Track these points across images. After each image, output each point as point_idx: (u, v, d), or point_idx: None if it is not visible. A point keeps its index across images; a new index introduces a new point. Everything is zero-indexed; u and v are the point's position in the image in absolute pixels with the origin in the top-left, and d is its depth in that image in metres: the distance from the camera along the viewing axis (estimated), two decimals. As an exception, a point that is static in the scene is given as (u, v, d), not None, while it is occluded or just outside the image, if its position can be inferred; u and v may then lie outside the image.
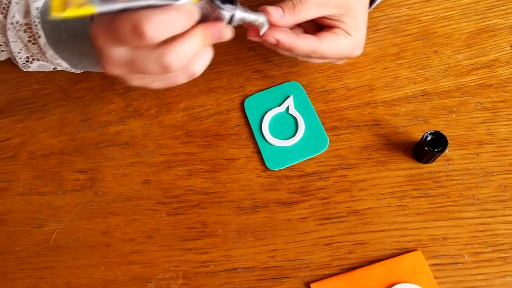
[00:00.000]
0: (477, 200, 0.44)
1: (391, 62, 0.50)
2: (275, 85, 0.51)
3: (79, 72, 0.50)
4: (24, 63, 0.49)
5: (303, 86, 0.50)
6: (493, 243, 0.42)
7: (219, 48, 0.54)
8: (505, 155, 0.45)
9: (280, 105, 0.49)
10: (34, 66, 0.49)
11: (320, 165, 0.46)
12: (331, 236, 0.43)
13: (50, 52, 0.45)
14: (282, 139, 0.47)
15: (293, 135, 0.47)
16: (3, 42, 0.47)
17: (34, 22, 0.43)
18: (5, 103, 0.53)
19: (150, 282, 0.43)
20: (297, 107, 0.49)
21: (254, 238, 0.44)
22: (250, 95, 0.50)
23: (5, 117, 0.52)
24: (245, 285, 0.42)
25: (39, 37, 0.44)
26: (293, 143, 0.47)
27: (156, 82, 0.37)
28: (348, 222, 0.44)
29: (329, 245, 0.43)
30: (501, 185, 0.44)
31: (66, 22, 0.42)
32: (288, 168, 0.47)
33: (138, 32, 0.30)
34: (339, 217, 0.44)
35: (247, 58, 0.53)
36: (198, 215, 0.45)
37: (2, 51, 0.48)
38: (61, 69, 0.49)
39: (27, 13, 0.44)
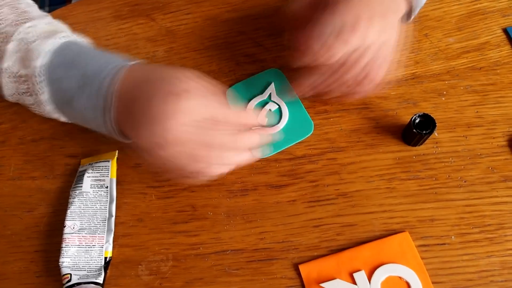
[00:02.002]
0: (465, 182, 0.44)
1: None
2: (265, 70, 0.51)
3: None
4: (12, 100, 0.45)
5: (294, 71, 0.50)
6: (480, 224, 0.42)
7: (209, 32, 0.54)
8: (494, 138, 0.45)
9: (262, 93, 0.49)
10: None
11: (309, 148, 0.47)
12: (320, 218, 0.44)
13: (48, 108, 0.42)
14: (269, 126, 0.47)
15: (278, 122, 0.47)
16: None
17: (39, 77, 0.40)
18: (-5, 88, 0.53)
19: (141, 265, 0.43)
20: (279, 93, 0.49)
21: (244, 221, 0.44)
22: (234, 84, 0.50)
23: (-5, 103, 0.52)
24: (234, 266, 0.42)
25: (42, 93, 0.41)
26: (278, 130, 0.47)
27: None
28: (337, 204, 0.44)
29: (317, 227, 0.43)
30: (488, 167, 0.44)
31: (80, 92, 0.40)
32: (277, 152, 0.47)
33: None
34: (328, 199, 0.44)
35: (237, 42, 0.53)
36: (188, 198, 0.45)
37: None
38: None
39: (26, 66, 0.41)
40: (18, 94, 0.43)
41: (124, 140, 0.42)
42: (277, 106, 0.48)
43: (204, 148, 0.38)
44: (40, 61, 0.40)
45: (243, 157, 0.41)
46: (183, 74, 0.39)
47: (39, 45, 0.41)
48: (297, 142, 0.47)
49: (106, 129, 0.41)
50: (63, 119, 0.44)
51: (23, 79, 0.41)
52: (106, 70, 0.39)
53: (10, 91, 0.43)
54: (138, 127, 0.38)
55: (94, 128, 0.42)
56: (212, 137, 0.38)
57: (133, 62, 0.41)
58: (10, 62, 0.41)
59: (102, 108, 0.39)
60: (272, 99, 0.49)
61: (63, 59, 0.41)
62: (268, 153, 0.46)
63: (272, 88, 0.49)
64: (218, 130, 0.38)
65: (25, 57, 0.41)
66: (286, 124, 0.47)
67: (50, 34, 0.42)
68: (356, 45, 0.41)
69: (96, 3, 0.56)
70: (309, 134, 0.47)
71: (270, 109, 0.48)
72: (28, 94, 0.42)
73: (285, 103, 0.48)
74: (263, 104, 0.48)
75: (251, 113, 0.43)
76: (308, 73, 0.44)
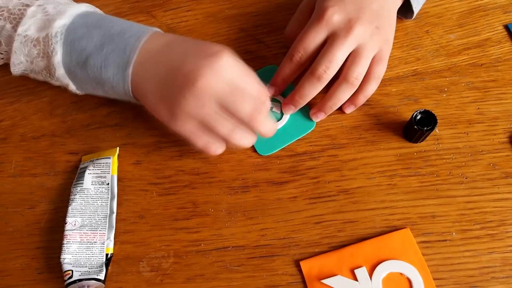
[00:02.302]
0: (466, 178, 0.44)
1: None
2: (265, 66, 0.50)
3: (81, 94, 0.46)
4: (17, 74, 0.46)
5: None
6: (481, 220, 0.42)
7: (210, 29, 0.54)
8: (495, 134, 0.45)
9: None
10: (31, 76, 0.47)
11: (311, 145, 0.47)
12: (321, 215, 0.44)
13: (60, 72, 0.43)
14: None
15: (280, 119, 0.47)
16: (4, 51, 0.44)
17: (55, 37, 0.41)
18: (-4, 85, 0.53)
19: (142, 261, 0.43)
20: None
21: (245, 217, 0.44)
22: None
23: (-4, 100, 0.52)
24: (236, 263, 0.43)
25: (55, 54, 0.41)
26: (280, 127, 0.47)
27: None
28: (338, 201, 0.44)
29: (318, 224, 0.43)
30: (490, 164, 0.44)
31: (100, 49, 0.41)
32: (280, 149, 0.47)
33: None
34: (329, 196, 0.44)
35: (238, 39, 0.53)
36: (189, 195, 0.46)
37: (2, 58, 0.46)
38: (64, 87, 0.45)
39: (43, 27, 0.42)
40: (29, 60, 0.43)
41: (136, 102, 0.44)
42: (278, 104, 0.48)
43: (219, 114, 0.39)
44: (63, 21, 0.41)
45: (250, 140, 0.42)
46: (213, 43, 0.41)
47: (63, 8, 0.42)
48: (299, 138, 0.47)
49: (123, 88, 0.41)
50: (72, 86, 0.44)
51: (37, 42, 0.42)
52: (130, 31, 0.41)
53: (19, 58, 0.43)
54: (165, 79, 0.39)
55: (107, 89, 0.43)
56: (234, 100, 0.39)
57: (157, 29, 0.43)
58: (26, 26, 0.42)
59: (122, 64, 0.40)
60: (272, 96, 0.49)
61: (86, 20, 0.42)
62: (271, 150, 0.46)
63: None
64: (245, 95, 0.39)
65: (45, 19, 0.42)
66: (288, 121, 0.47)
67: (73, 3, 0.44)
68: (352, 45, 0.43)
69: (97, 0, 0.56)
70: (311, 129, 0.47)
71: (271, 108, 0.48)
72: (40, 57, 0.42)
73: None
74: None
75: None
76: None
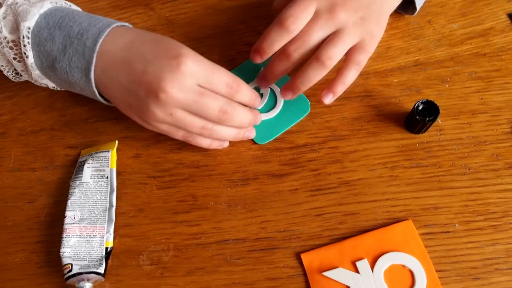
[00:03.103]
0: (469, 169, 0.43)
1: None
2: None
3: (61, 90, 0.48)
4: (13, 76, 0.46)
5: None
6: (485, 211, 0.42)
7: (210, 21, 0.53)
8: (498, 124, 0.45)
9: (253, 79, 0.48)
10: (25, 78, 0.47)
11: (311, 137, 0.46)
12: (322, 207, 0.43)
13: (36, 73, 0.43)
14: (264, 112, 0.47)
15: (274, 106, 0.47)
16: None
17: (23, 41, 0.41)
18: (-6, 80, 0.52)
19: (142, 255, 0.43)
20: None
21: (245, 210, 0.44)
22: None
23: (-6, 94, 0.52)
24: (236, 256, 0.42)
25: (27, 57, 0.41)
26: (276, 114, 0.47)
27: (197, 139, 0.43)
28: (339, 193, 0.44)
29: (319, 216, 0.43)
30: (493, 154, 0.44)
31: (63, 53, 0.41)
32: (278, 140, 0.46)
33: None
34: (330, 188, 0.44)
35: (238, 31, 0.52)
36: (189, 188, 0.45)
37: None
38: (45, 86, 0.46)
39: (14, 29, 0.41)
40: (8, 61, 0.44)
41: (107, 103, 0.44)
42: (270, 90, 0.48)
43: (188, 117, 0.40)
44: (28, 23, 0.41)
45: (229, 133, 0.43)
46: (174, 40, 0.40)
47: (27, 8, 0.41)
48: (296, 122, 0.46)
49: (90, 91, 0.42)
50: (51, 84, 0.45)
51: (11, 44, 0.42)
52: (89, 32, 0.40)
53: (2, 61, 0.44)
54: (128, 87, 0.39)
55: (79, 91, 0.43)
56: (199, 106, 0.39)
57: (117, 24, 0.42)
58: (1, 29, 0.41)
59: (84, 69, 0.40)
60: None
61: (48, 20, 0.41)
62: (268, 138, 0.46)
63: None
64: (209, 98, 0.39)
65: (13, 21, 0.41)
66: (283, 107, 0.47)
67: (39, 0, 0.42)
68: (335, 26, 0.42)
69: (95, -6, 0.56)
70: (307, 113, 0.46)
71: (262, 94, 0.47)
72: (17, 59, 0.42)
73: (278, 86, 0.47)
74: (257, 90, 0.48)
75: (248, 86, 0.43)
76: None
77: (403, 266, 0.40)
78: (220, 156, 0.46)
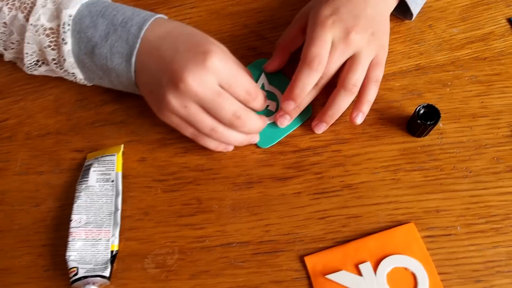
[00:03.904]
0: (470, 172, 0.44)
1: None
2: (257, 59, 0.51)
3: (89, 85, 0.49)
4: (31, 65, 0.47)
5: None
6: (486, 214, 0.42)
7: (214, 26, 0.54)
8: (499, 128, 0.45)
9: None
10: (41, 70, 0.48)
11: (314, 141, 0.47)
12: (325, 210, 0.44)
13: (70, 60, 0.44)
14: (267, 116, 0.47)
15: (276, 110, 0.48)
16: (16, 41, 0.45)
17: (63, 28, 0.42)
18: (1, 84, 0.53)
19: (147, 258, 0.44)
20: (273, 82, 0.49)
21: (249, 213, 0.44)
22: None
23: (1, 99, 0.52)
24: (240, 259, 0.43)
25: (65, 43, 0.43)
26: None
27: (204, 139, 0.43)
28: (342, 196, 0.44)
29: (323, 219, 0.43)
30: (494, 158, 0.44)
31: (105, 39, 0.42)
32: (282, 144, 0.47)
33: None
34: (333, 191, 0.44)
35: (242, 35, 0.53)
36: (194, 192, 0.46)
37: (12, 49, 0.47)
38: (72, 79, 0.47)
39: (54, 17, 0.43)
40: (40, 49, 0.45)
41: (137, 92, 0.46)
42: (274, 102, 0.48)
43: (201, 115, 0.41)
44: (69, 11, 0.43)
45: (237, 138, 0.44)
46: (209, 36, 0.42)
47: None
48: (298, 126, 0.47)
49: (126, 77, 0.43)
50: (80, 76, 0.46)
51: (48, 31, 0.43)
52: (133, 20, 0.42)
53: (33, 47, 0.45)
54: (155, 74, 0.41)
55: (113, 79, 0.45)
56: (215, 105, 0.40)
57: (159, 16, 0.44)
58: (37, 16, 0.43)
59: (126, 54, 0.42)
60: (266, 89, 0.49)
61: (91, 10, 0.43)
62: (271, 142, 0.46)
63: (264, 78, 0.49)
64: (226, 100, 0.40)
65: (53, 9, 0.43)
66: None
67: None
68: (349, 54, 0.43)
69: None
70: (308, 116, 0.47)
71: (267, 106, 0.48)
72: (51, 47, 0.44)
73: (280, 91, 0.48)
74: None
75: (263, 96, 0.44)
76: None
77: (406, 269, 0.41)
78: (225, 160, 0.47)
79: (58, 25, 0.43)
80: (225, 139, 0.43)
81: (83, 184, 0.45)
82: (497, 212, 0.42)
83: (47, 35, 0.43)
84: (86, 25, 0.43)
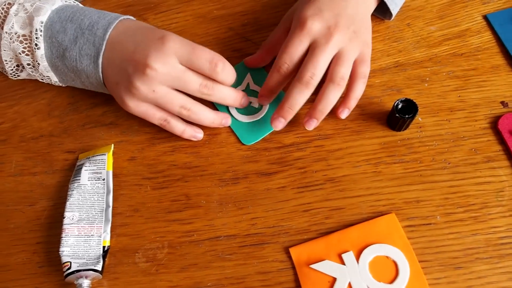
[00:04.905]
0: (449, 164, 0.45)
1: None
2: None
3: (64, 86, 0.52)
4: (13, 71, 0.50)
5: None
6: (464, 203, 0.44)
7: (200, 30, 0.56)
8: (476, 120, 0.47)
9: (240, 84, 0.51)
10: (23, 75, 0.51)
11: (298, 137, 0.48)
12: (309, 203, 0.45)
13: (44, 64, 0.47)
14: (251, 114, 0.49)
15: (260, 108, 0.49)
16: None
17: (36, 34, 0.45)
18: (-4, 90, 0.55)
19: (138, 253, 0.45)
20: (257, 82, 0.50)
21: (236, 208, 0.46)
22: None
23: (-4, 104, 0.54)
24: (228, 252, 0.44)
25: (38, 48, 0.46)
26: (262, 116, 0.49)
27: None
28: (325, 189, 0.46)
29: (307, 212, 0.45)
30: (472, 149, 0.46)
31: (74, 42, 0.45)
32: (267, 141, 0.48)
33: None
34: (316, 185, 0.46)
35: (227, 38, 0.54)
36: (182, 188, 0.47)
37: None
38: (48, 81, 0.50)
39: (26, 24, 0.46)
40: (15, 55, 0.48)
41: (106, 91, 0.49)
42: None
43: (170, 93, 0.44)
44: (41, 18, 0.45)
45: (207, 117, 0.46)
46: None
47: (40, 5, 0.46)
48: None
49: (95, 77, 0.46)
50: (54, 79, 0.49)
51: (21, 38, 0.46)
52: (99, 23, 0.45)
53: (9, 55, 0.48)
54: (120, 65, 0.44)
55: (83, 80, 0.48)
56: (182, 81, 0.43)
57: (124, 17, 0.47)
58: (10, 24, 0.46)
59: (93, 56, 0.45)
60: (251, 88, 0.50)
61: (61, 15, 0.46)
62: (255, 139, 0.48)
63: (249, 78, 0.51)
64: (192, 74, 0.44)
65: (25, 17, 0.46)
66: (268, 110, 0.49)
67: None
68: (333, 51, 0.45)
69: (92, 5, 0.59)
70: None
71: (250, 103, 0.50)
72: (25, 53, 0.47)
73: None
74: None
75: (230, 66, 0.46)
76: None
77: (387, 257, 0.42)
78: (211, 157, 0.48)
79: (31, 32, 0.46)
80: (196, 116, 0.46)
81: (75, 183, 0.47)
82: (475, 201, 0.44)
83: (21, 42, 0.46)
84: (57, 30, 0.45)
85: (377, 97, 0.49)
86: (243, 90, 0.50)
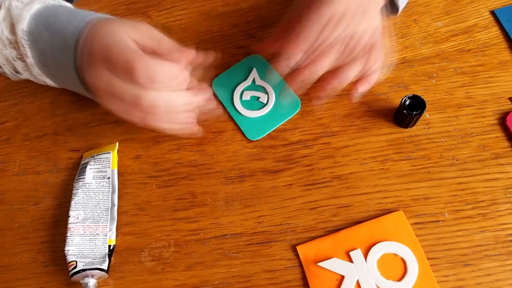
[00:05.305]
0: (457, 160, 0.45)
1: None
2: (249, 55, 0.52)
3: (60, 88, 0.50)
4: (12, 73, 0.48)
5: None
6: (473, 200, 0.43)
7: (204, 27, 0.55)
8: (484, 116, 0.46)
9: (246, 79, 0.50)
10: (23, 76, 0.49)
11: (304, 134, 0.48)
12: (316, 201, 0.45)
13: (36, 71, 0.45)
14: (257, 109, 0.49)
15: (266, 104, 0.49)
16: None
17: (21, 42, 0.43)
18: (-1, 88, 0.55)
19: (143, 251, 0.45)
20: (263, 77, 0.50)
21: (242, 206, 0.45)
22: (216, 76, 0.51)
23: (-1, 102, 0.54)
24: (234, 250, 0.44)
25: (27, 57, 0.44)
26: (268, 111, 0.49)
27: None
28: (332, 186, 0.45)
29: (314, 209, 0.45)
30: (480, 145, 0.45)
31: (51, 51, 0.42)
32: (273, 138, 0.48)
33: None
34: (323, 182, 0.45)
35: (231, 35, 0.54)
36: (188, 186, 0.47)
37: None
38: (46, 84, 0.48)
39: (13, 31, 0.43)
40: (10, 61, 0.45)
41: (95, 98, 0.44)
42: (265, 94, 0.49)
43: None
44: (21, 26, 0.42)
45: (157, 100, 0.40)
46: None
47: (21, 11, 0.43)
48: (287, 119, 0.48)
49: (79, 88, 0.44)
50: (50, 82, 0.47)
51: (14, 44, 0.44)
52: (68, 29, 0.41)
53: (2, 60, 0.46)
54: (83, 69, 0.41)
55: (74, 87, 0.45)
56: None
57: (93, 17, 0.42)
58: (3, 31, 0.43)
59: (70, 66, 0.42)
60: (256, 83, 0.50)
61: (37, 21, 0.43)
62: (260, 135, 0.48)
63: (255, 73, 0.50)
64: (115, 66, 0.38)
65: (10, 24, 0.43)
66: (274, 104, 0.49)
67: (32, 0, 0.44)
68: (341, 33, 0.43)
69: (94, 3, 0.58)
70: (297, 110, 0.48)
71: (258, 98, 0.49)
72: (19, 59, 0.45)
73: (270, 85, 0.50)
74: (249, 89, 0.50)
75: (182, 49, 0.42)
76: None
77: (395, 255, 0.42)
78: (217, 155, 0.48)
79: (18, 39, 0.43)
80: (149, 103, 0.40)
81: (80, 181, 0.46)
82: (484, 198, 0.43)
83: (14, 48, 0.44)
84: (36, 38, 0.43)
85: (384, 93, 0.49)
86: (248, 86, 0.50)
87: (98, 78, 0.39)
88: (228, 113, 0.50)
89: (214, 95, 0.50)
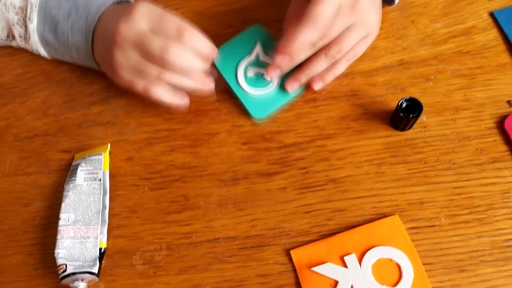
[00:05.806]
0: (454, 164, 0.44)
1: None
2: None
3: (49, 58, 0.52)
4: (2, 39, 0.52)
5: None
6: (469, 205, 0.43)
7: (199, 26, 0.54)
8: (482, 120, 0.46)
9: (249, 53, 0.49)
10: (13, 44, 0.53)
11: (299, 136, 0.47)
12: (310, 204, 0.44)
13: (35, 38, 0.48)
14: (261, 87, 0.48)
15: (271, 81, 0.48)
16: None
17: (31, 8, 0.47)
18: (-10, 88, 0.54)
19: (135, 255, 0.44)
20: (267, 52, 0.49)
21: (235, 209, 0.45)
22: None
23: (-10, 102, 0.53)
24: (227, 254, 0.43)
25: (31, 22, 0.47)
26: (273, 89, 0.48)
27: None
28: (327, 190, 0.45)
29: (308, 213, 0.44)
30: (477, 149, 0.45)
31: (67, 18, 0.47)
32: (267, 140, 0.47)
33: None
34: (318, 185, 0.45)
35: (226, 34, 0.53)
36: (180, 189, 0.46)
37: None
38: (36, 54, 0.51)
39: None
40: (9, 26, 0.49)
41: (97, 67, 0.49)
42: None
43: (146, 61, 0.43)
44: None
45: (183, 82, 0.44)
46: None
47: None
48: (291, 98, 0.48)
49: (86, 52, 0.48)
50: (42, 52, 0.51)
51: (17, 10, 0.48)
52: (94, 2, 0.47)
53: (1, 24, 0.50)
54: (106, 41, 0.44)
55: (73, 55, 0.49)
56: (145, 45, 0.42)
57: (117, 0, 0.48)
58: None
59: (85, 31, 0.46)
60: (260, 59, 0.49)
61: None
62: (265, 113, 0.47)
63: (259, 48, 0.49)
64: (155, 37, 0.42)
65: None
66: (279, 82, 0.48)
67: None
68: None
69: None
70: (301, 91, 0.48)
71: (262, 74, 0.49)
72: (19, 25, 0.49)
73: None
74: (253, 65, 0.49)
75: (200, 34, 0.45)
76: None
77: (390, 260, 0.41)
78: (211, 157, 0.47)
79: (27, 5, 0.47)
80: (173, 81, 0.44)
81: (71, 183, 0.46)
82: (480, 202, 0.43)
83: (16, 13, 0.48)
84: (51, 6, 0.47)
85: (381, 96, 0.48)
86: (252, 62, 0.49)
87: (127, 56, 0.43)
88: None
89: (216, 68, 0.49)
